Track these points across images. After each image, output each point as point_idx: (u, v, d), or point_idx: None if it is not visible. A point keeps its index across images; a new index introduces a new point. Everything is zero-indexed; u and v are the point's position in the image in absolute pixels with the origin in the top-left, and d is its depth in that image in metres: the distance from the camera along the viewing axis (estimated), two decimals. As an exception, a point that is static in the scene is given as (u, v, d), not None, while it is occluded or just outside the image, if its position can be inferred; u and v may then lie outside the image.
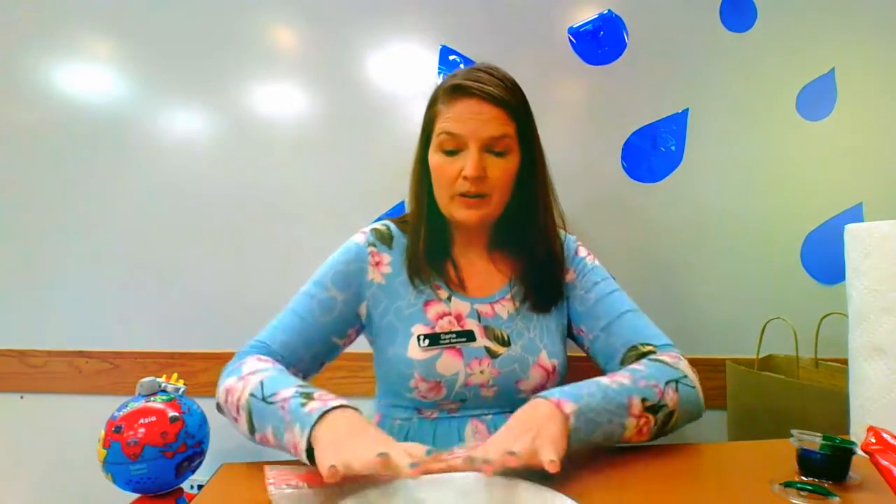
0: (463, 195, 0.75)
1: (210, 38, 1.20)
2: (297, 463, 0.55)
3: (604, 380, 0.66)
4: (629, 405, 0.63)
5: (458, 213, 0.76)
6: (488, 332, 0.78)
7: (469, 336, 0.76)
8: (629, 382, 0.65)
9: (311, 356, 0.76)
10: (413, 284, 0.79)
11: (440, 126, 0.75)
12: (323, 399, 0.58)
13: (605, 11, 1.18)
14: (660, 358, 0.72)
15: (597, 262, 0.85)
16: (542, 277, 0.81)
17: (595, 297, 0.81)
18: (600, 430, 0.60)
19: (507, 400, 0.77)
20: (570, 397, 0.61)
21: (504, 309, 0.80)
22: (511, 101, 0.74)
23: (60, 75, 1.21)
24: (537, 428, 0.56)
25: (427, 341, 0.75)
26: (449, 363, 0.75)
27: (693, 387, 0.70)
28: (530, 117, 0.79)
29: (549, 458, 0.51)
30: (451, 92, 0.74)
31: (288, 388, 0.61)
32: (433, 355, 0.74)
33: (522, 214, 0.80)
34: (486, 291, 0.82)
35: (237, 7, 1.19)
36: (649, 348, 0.74)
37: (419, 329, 0.76)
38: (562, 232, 0.87)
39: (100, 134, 1.21)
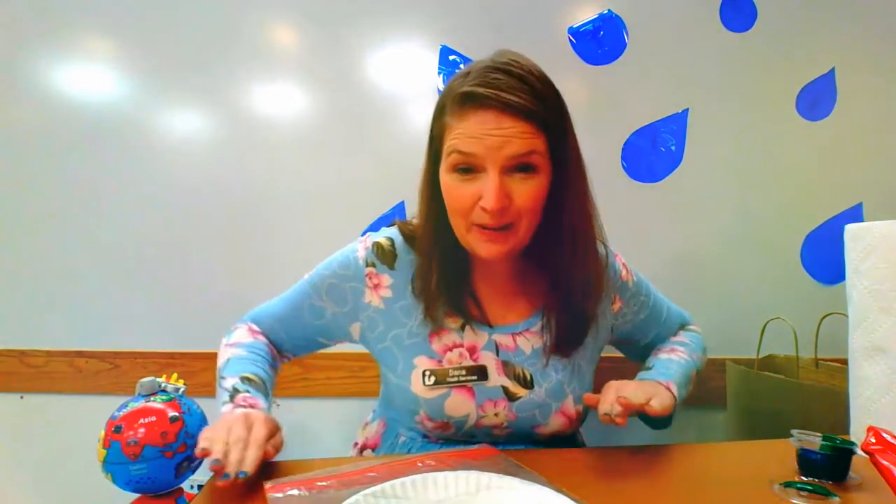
0: (482, 227, 0.62)
1: (210, 38, 1.20)
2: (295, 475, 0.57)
3: (676, 358, 0.78)
4: (692, 377, 0.77)
5: (478, 247, 0.64)
6: (507, 368, 0.68)
7: (481, 374, 0.67)
8: (689, 359, 0.79)
9: (294, 345, 0.80)
10: (426, 313, 0.69)
11: (450, 143, 0.61)
12: (237, 403, 0.64)
13: (605, 11, 1.18)
14: (691, 328, 0.89)
15: (633, 276, 0.79)
16: (575, 316, 0.69)
17: (643, 316, 0.82)
18: (681, 402, 0.71)
19: (519, 439, 0.71)
20: (674, 381, 0.71)
21: (528, 343, 0.70)
22: (539, 108, 0.59)
23: (60, 75, 1.21)
24: (660, 394, 0.66)
25: (433, 379, 0.67)
26: (459, 404, 0.67)
27: (706, 346, 0.87)
28: (566, 122, 0.64)
29: (656, 406, 0.62)
30: (461, 101, 0.60)
31: (233, 377, 0.68)
32: (440, 394, 0.67)
33: (556, 240, 0.67)
34: (509, 320, 0.71)
35: (237, 7, 1.19)
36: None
37: (423, 363, 0.68)
38: (603, 248, 0.75)
39: (99, 134, 1.21)
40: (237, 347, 0.75)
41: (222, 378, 0.70)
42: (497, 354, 0.69)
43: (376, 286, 0.72)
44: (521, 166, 0.60)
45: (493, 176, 0.59)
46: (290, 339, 0.79)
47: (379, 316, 0.72)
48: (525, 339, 0.70)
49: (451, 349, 0.68)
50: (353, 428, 0.89)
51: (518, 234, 0.63)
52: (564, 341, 0.70)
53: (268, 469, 0.58)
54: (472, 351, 0.69)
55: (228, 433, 0.55)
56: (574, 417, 0.71)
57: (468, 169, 0.61)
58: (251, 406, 0.63)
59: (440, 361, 0.68)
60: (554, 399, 0.69)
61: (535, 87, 0.60)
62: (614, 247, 0.81)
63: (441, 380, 0.66)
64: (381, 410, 0.83)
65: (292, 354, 0.82)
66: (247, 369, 0.70)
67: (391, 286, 0.72)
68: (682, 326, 0.88)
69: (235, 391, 0.66)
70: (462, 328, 0.70)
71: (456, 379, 0.67)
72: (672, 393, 0.68)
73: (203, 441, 0.54)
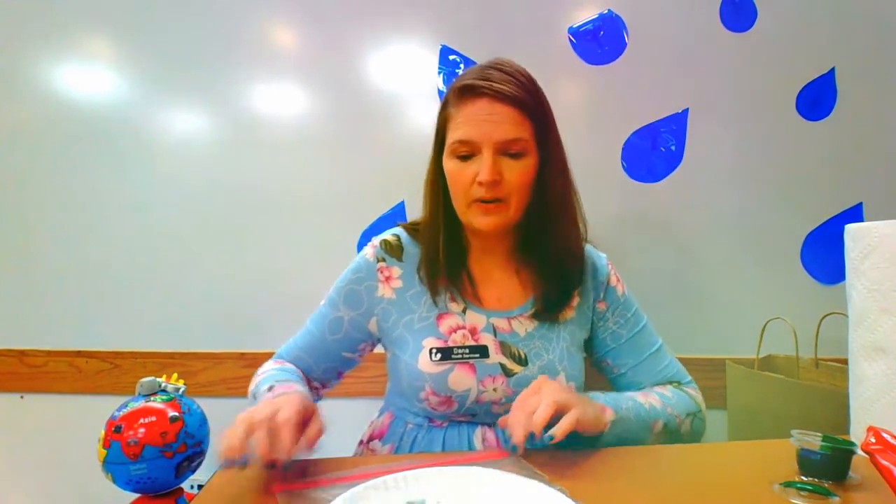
0: (479, 201, 0.71)
1: (210, 38, 1.20)
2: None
3: (639, 397, 0.74)
4: (653, 427, 0.72)
5: (476, 220, 0.73)
6: (504, 348, 0.75)
7: (482, 352, 0.74)
8: (659, 407, 0.73)
9: (323, 370, 0.82)
10: (431, 296, 0.77)
11: (452, 132, 0.72)
12: (274, 392, 0.66)
13: (605, 11, 1.18)
14: (686, 389, 0.80)
15: (626, 291, 0.84)
16: (557, 287, 0.77)
17: (626, 336, 0.81)
18: (621, 439, 0.68)
19: None
20: (614, 407, 0.68)
21: (522, 326, 0.77)
22: (526, 98, 0.70)
23: (60, 75, 1.21)
24: (582, 406, 0.62)
25: (439, 355, 0.73)
26: (461, 378, 0.73)
27: (703, 421, 0.78)
28: (549, 115, 0.75)
29: (566, 423, 0.58)
30: (460, 93, 0.71)
31: (266, 384, 0.70)
32: (445, 370, 0.73)
33: (542, 219, 0.76)
34: (505, 305, 0.79)
35: (237, 7, 1.19)
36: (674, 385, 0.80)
37: (431, 342, 0.74)
38: (590, 247, 0.84)
39: (100, 134, 1.21)
40: (265, 373, 0.76)
41: (255, 396, 0.71)
42: (495, 336, 0.76)
43: (388, 279, 0.79)
44: (511, 153, 0.70)
45: (487, 155, 0.69)
46: (317, 365, 0.81)
47: (392, 306, 0.78)
48: (519, 322, 0.77)
49: (455, 330, 0.75)
50: (354, 427, 0.89)
51: (509, 209, 0.72)
52: (549, 305, 0.77)
53: (271, 471, 0.58)
54: (473, 332, 0.76)
55: (252, 415, 0.54)
56: None
57: (467, 156, 0.71)
58: (286, 391, 0.64)
59: (446, 341, 0.74)
60: (547, 375, 0.73)
61: (522, 82, 0.71)
62: (615, 247, 0.81)
63: (446, 356, 0.73)
64: (387, 404, 0.85)
65: (322, 382, 0.84)
66: (277, 378, 0.72)
67: (401, 277, 0.79)
68: (677, 383, 0.81)
69: (271, 388, 0.68)
70: (464, 312, 0.77)
71: (460, 356, 0.73)
72: (603, 416, 0.66)
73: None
